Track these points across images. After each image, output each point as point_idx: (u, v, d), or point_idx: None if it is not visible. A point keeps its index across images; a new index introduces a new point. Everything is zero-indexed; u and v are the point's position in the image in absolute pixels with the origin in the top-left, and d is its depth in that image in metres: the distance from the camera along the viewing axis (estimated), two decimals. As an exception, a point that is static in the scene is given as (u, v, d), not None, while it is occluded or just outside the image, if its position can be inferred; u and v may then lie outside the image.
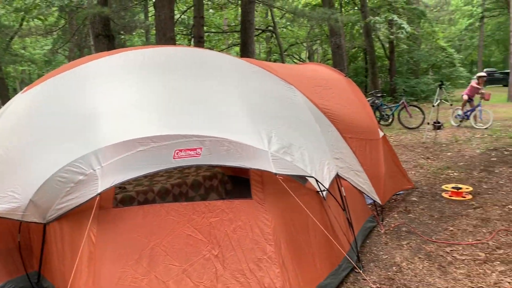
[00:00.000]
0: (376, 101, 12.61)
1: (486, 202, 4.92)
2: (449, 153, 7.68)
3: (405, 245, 3.88)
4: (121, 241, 2.52)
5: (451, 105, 10.94)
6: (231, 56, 4.26)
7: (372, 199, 4.35)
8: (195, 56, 3.67)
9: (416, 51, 22.87)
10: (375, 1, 21.74)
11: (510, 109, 14.72)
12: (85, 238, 2.43)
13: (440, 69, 23.68)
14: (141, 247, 2.51)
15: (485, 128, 10.07)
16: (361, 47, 23.92)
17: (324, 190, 3.15)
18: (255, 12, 20.22)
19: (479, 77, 10.96)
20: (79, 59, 3.53)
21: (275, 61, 23.70)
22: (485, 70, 37.37)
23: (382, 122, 12.26)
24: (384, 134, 4.99)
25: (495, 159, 6.92)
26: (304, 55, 41.12)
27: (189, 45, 16.39)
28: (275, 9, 13.62)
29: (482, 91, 10.66)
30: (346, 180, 3.94)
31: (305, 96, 3.99)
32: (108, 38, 10.28)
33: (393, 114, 12.31)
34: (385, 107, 12.62)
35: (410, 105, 12.35)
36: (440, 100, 9.41)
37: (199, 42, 8.83)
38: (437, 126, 10.24)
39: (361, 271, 3.35)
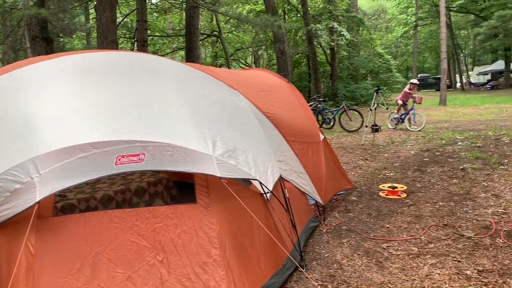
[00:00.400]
0: (319, 105, 13.04)
1: (419, 200, 5.26)
2: (385, 154, 8.12)
3: (345, 243, 4.07)
4: (61, 250, 2.45)
5: (387, 109, 11.55)
6: (175, 61, 4.27)
7: (314, 199, 4.52)
8: (137, 60, 3.64)
9: (355, 57, 23.88)
10: (317, 9, 22.46)
11: (442, 112, 15.79)
12: (23, 249, 2.34)
13: (378, 75, 24.88)
14: (83, 256, 2.47)
15: (419, 130, 10.74)
16: (305, 53, 24.59)
17: (268, 192, 3.25)
18: (201, 16, 20.20)
19: (412, 83, 11.66)
20: (17, 63, 3.40)
21: (221, 65, 23.76)
22: (419, 75, 39.82)
23: (324, 126, 12.69)
24: (325, 137, 5.21)
25: (427, 159, 7.41)
26: (250, 60, 41.57)
27: (132, 49, 16.02)
28: (220, 15, 13.71)
29: (415, 96, 11.35)
30: (289, 182, 4.08)
31: (249, 101, 4.08)
32: (46, 41, 9.83)
33: (334, 118, 12.79)
34: (327, 111, 13.08)
35: (350, 109, 12.89)
36: (377, 104, 9.92)
37: (143, 46, 8.69)
38: (375, 129, 10.78)
39: (303, 270, 3.47)
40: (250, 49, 37.93)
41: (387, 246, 3.96)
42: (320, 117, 12.82)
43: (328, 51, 23.47)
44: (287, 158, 4.19)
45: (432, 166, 6.85)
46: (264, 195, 3.24)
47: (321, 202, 4.59)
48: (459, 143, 8.45)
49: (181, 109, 3.14)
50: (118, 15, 11.68)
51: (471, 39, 42.63)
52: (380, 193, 5.56)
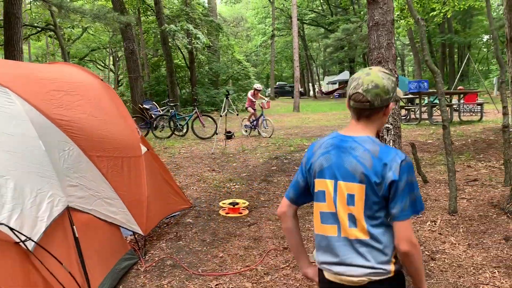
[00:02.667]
0: (171, 110, 12.11)
1: (261, 216, 4.69)
2: (234, 164, 7.54)
3: (165, 285, 3.20)
4: None
5: (237, 115, 11.17)
6: None
7: (131, 230, 3.58)
8: None
9: (215, 63, 23.57)
10: (174, 10, 21.58)
11: (294, 118, 16.22)
12: None
13: (238, 81, 24.98)
14: None
15: (269, 137, 10.53)
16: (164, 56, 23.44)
17: (26, 240, 2.20)
18: (38, 7, 17.55)
19: (255, 89, 11.42)
20: None
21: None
22: (277, 83, 41.77)
23: (176, 133, 11.78)
24: (149, 150, 4.28)
25: (275, 168, 7.02)
26: (108, 61, 38.72)
27: None
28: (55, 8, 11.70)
29: (262, 101, 11.17)
30: (88, 213, 3.06)
31: (30, 103, 2.96)
32: None
33: (187, 124, 11.95)
34: (179, 117, 12.20)
35: (203, 115, 12.20)
36: (227, 110, 9.40)
37: None
38: (228, 136, 10.26)
39: (96, 338, 2.51)
40: (108, 50, 35.32)
41: (217, 284, 3.21)
42: (172, 124, 11.88)
43: (188, 55, 22.71)
44: (87, 180, 3.16)
45: (278, 175, 6.45)
46: (22, 243, 2.19)
47: (141, 232, 3.65)
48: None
49: None
50: None
51: (322, 51, 46.34)
52: (220, 211, 4.85)
